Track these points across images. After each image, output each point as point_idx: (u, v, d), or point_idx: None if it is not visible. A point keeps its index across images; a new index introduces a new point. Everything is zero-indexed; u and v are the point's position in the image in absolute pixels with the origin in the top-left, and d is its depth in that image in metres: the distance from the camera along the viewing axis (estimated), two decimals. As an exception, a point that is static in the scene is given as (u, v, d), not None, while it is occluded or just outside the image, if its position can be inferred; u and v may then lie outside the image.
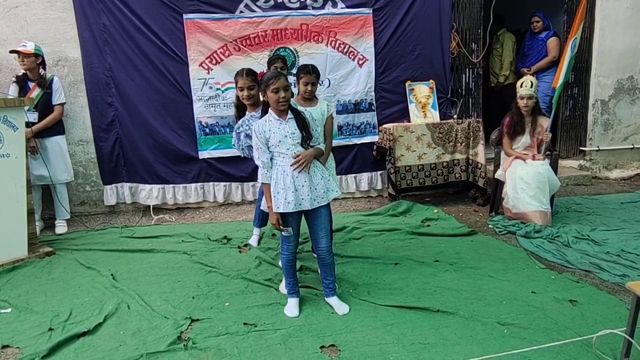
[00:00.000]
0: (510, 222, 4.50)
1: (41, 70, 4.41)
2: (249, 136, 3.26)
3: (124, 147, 5.06)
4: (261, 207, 3.23)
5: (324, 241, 2.94)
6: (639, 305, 2.27)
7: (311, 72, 3.33)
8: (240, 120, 3.42)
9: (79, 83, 4.91)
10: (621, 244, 3.95)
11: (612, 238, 4.10)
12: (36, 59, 4.35)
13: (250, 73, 3.41)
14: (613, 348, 2.51)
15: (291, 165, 2.79)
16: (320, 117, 3.34)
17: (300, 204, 2.80)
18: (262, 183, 2.91)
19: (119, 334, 2.77)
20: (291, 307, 2.98)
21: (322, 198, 2.87)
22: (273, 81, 2.73)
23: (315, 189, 2.84)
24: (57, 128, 4.57)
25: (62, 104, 4.58)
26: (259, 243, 4.16)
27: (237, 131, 3.41)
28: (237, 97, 3.51)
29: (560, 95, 4.75)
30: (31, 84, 4.38)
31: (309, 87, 3.34)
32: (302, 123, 2.83)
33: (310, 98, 3.39)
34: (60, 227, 4.64)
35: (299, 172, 2.79)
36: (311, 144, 2.87)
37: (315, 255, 3.54)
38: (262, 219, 4.13)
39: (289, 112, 2.84)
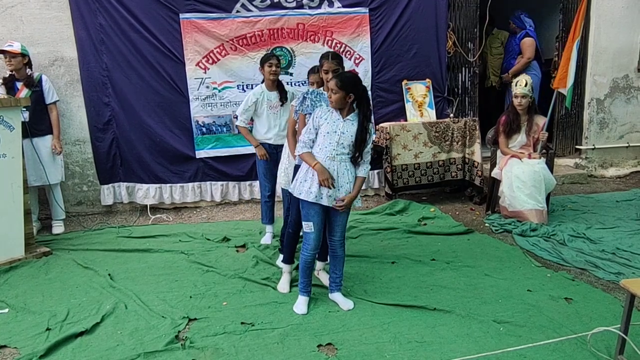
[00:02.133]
0: (506, 220, 4.53)
1: (28, 70, 4.37)
2: (313, 105, 3.24)
3: (120, 146, 5.05)
4: (296, 163, 3.20)
5: (338, 234, 3.01)
6: (632, 303, 2.29)
7: (330, 59, 3.27)
8: (317, 88, 3.38)
9: (76, 83, 4.90)
10: (616, 242, 3.98)
11: (608, 236, 4.13)
12: (23, 59, 4.30)
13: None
14: (607, 345, 2.53)
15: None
16: None
17: (321, 198, 2.85)
18: (303, 153, 2.93)
19: (117, 333, 2.78)
20: (300, 304, 3.01)
21: (342, 200, 2.90)
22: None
23: (339, 190, 2.88)
24: (49, 127, 4.51)
25: (56, 102, 4.56)
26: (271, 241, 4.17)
27: (306, 95, 3.33)
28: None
29: (571, 95, 4.79)
30: (19, 84, 4.33)
31: (330, 75, 3.23)
32: (362, 139, 2.86)
33: None
34: (58, 227, 4.63)
35: (328, 167, 2.84)
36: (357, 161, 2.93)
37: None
38: (269, 215, 4.14)
39: (354, 114, 2.89)
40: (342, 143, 2.86)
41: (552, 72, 6.63)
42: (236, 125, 4.15)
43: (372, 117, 4.97)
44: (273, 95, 3.97)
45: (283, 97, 3.99)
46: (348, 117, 2.89)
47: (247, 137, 4.06)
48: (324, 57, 3.35)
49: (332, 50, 3.47)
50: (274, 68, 3.85)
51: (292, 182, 3.12)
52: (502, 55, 6.79)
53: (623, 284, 2.31)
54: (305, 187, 2.87)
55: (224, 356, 2.54)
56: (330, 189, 2.84)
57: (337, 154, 2.86)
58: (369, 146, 2.97)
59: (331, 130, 2.87)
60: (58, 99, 4.60)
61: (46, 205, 4.74)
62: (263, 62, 3.91)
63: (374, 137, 3.02)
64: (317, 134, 2.92)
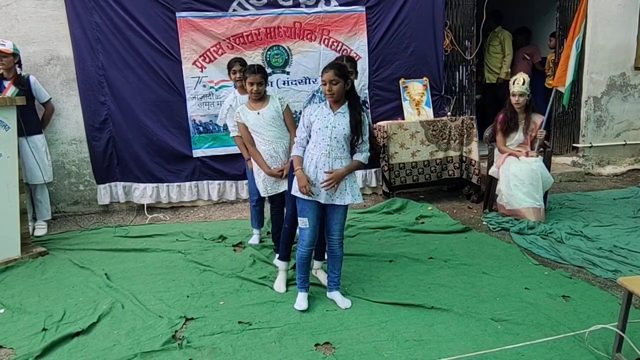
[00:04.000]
0: (504, 218, 4.52)
1: (18, 69, 4.33)
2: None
3: (117, 146, 5.03)
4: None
5: (336, 234, 3.00)
6: (630, 300, 2.29)
7: (256, 72, 3.32)
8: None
9: (71, 82, 4.88)
10: (613, 240, 3.99)
11: (605, 234, 4.13)
12: (14, 58, 4.26)
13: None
14: (605, 343, 2.53)
15: (321, 184, 2.83)
16: (276, 114, 3.38)
17: (317, 195, 2.86)
18: (294, 155, 2.97)
19: (113, 333, 2.76)
20: (300, 300, 3.01)
21: (338, 198, 2.89)
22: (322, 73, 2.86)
23: (335, 186, 2.86)
24: (37, 127, 4.46)
25: (50, 100, 4.55)
26: (260, 242, 4.16)
27: (315, 93, 3.45)
28: None
29: (570, 93, 4.75)
30: (5, 83, 4.27)
31: (255, 87, 3.33)
32: (357, 122, 2.85)
33: (260, 98, 3.39)
34: (41, 229, 4.55)
35: (324, 165, 2.84)
36: (358, 147, 2.93)
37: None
38: (258, 219, 4.12)
39: (345, 106, 2.88)
40: (336, 137, 2.85)
41: (546, 71, 6.67)
42: (231, 137, 3.94)
43: (367, 108, 4.75)
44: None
45: None
46: (339, 110, 2.88)
47: (240, 149, 3.79)
48: (251, 71, 3.37)
49: (257, 64, 3.53)
50: (238, 75, 3.82)
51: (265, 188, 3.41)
52: (500, 54, 6.80)
53: (620, 282, 2.31)
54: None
55: (221, 356, 2.53)
56: (309, 196, 2.84)
57: (331, 150, 2.85)
58: (366, 136, 2.94)
59: (323, 126, 2.86)
60: (50, 96, 4.58)
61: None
62: (228, 68, 3.90)
63: (367, 126, 2.97)
64: (310, 131, 2.92)
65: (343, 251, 3.09)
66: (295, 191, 2.91)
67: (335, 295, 3.08)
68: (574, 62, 4.59)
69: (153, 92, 4.97)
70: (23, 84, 4.32)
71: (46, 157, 4.55)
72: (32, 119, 4.41)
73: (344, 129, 2.86)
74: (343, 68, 2.89)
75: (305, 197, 2.85)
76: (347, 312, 2.95)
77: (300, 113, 3.50)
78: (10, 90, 4.25)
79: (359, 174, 5.52)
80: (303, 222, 2.94)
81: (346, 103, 2.90)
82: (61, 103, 4.87)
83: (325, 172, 2.84)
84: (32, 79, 4.44)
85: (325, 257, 3.24)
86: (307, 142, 2.94)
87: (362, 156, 2.95)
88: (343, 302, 3.03)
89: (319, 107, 2.93)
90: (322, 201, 2.87)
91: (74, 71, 4.86)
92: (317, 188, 2.86)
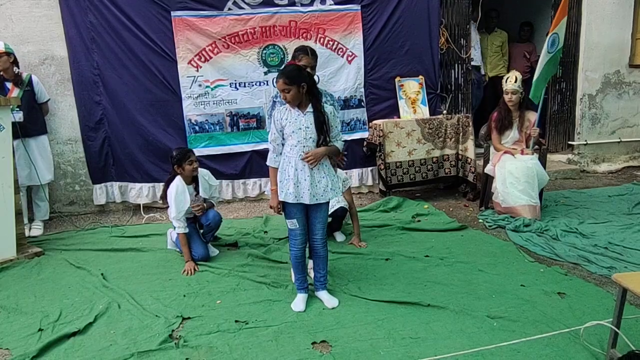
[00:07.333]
0: (499, 216, 4.54)
1: (15, 69, 4.29)
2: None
3: (112, 146, 5.01)
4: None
5: (319, 234, 2.99)
6: (624, 297, 2.30)
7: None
8: None
9: (66, 82, 4.86)
10: (608, 237, 4.00)
11: (600, 231, 4.15)
12: (9, 58, 4.21)
13: (314, 52, 3.43)
14: (600, 339, 2.54)
15: (302, 160, 2.84)
16: None
17: (301, 197, 2.85)
18: (268, 166, 2.97)
19: (110, 333, 2.76)
20: (299, 302, 3.00)
21: (322, 195, 2.90)
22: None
23: (317, 185, 2.87)
24: (43, 127, 4.52)
25: (48, 101, 4.56)
26: None
27: (275, 99, 3.40)
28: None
29: (536, 90, 4.70)
30: (9, 85, 4.25)
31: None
32: (321, 122, 2.85)
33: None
34: (37, 229, 4.53)
35: (304, 166, 2.84)
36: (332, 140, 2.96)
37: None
38: None
39: (310, 105, 2.87)
40: (310, 137, 2.85)
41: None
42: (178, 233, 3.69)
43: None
44: (191, 188, 3.82)
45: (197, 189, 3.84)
46: (308, 110, 2.87)
47: (183, 249, 3.63)
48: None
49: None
50: (195, 165, 3.73)
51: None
52: (500, 54, 6.81)
53: (615, 278, 2.31)
54: (284, 188, 2.89)
55: (217, 355, 2.53)
56: (278, 214, 2.94)
57: (308, 151, 2.84)
58: (338, 128, 2.99)
59: (296, 128, 2.84)
60: (49, 98, 4.58)
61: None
62: (182, 160, 3.68)
63: (337, 118, 3.03)
64: (283, 135, 2.90)
65: (327, 251, 3.09)
66: (284, 197, 2.89)
67: (322, 294, 3.08)
68: (543, 58, 4.53)
69: (148, 92, 4.96)
70: (24, 84, 4.29)
71: (51, 156, 4.62)
72: (40, 119, 4.44)
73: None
74: (292, 73, 2.81)
75: (292, 200, 2.86)
76: (344, 310, 2.95)
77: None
78: (15, 92, 4.24)
79: (355, 172, 5.53)
80: (292, 224, 2.95)
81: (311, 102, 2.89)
82: (56, 103, 4.85)
83: (303, 153, 2.83)
84: (34, 78, 4.43)
85: None
86: (282, 146, 2.93)
87: (339, 144, 3.01)
88: (330, 301, 3.02)
89: (287, 110, 2.90)
90: (307, 202, 2.87)
91: (69, 71, 4.84)
92: (300, 190, 2.85)
